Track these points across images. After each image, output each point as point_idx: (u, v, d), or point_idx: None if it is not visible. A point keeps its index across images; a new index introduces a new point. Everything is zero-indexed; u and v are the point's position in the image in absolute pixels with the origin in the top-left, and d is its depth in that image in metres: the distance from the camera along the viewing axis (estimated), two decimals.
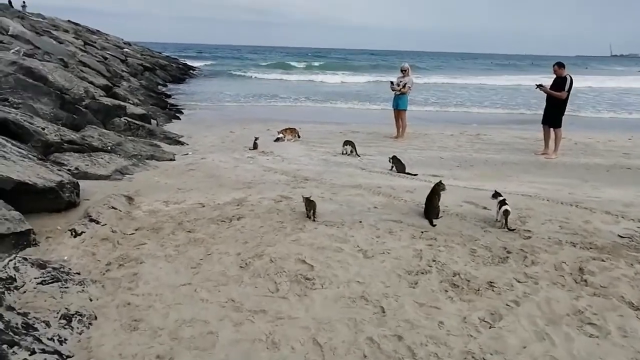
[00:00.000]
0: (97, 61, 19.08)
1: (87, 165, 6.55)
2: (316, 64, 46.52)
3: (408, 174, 7.63)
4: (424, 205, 5.42)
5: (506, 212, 4.78)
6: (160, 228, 4.64)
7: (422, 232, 4.66)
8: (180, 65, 39.73)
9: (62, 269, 3.28)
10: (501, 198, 4.97)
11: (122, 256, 3.94)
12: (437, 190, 5.23)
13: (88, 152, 7.13)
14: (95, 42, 27.64)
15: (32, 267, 3.07)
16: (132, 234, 4.49)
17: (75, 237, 4.24)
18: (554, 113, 9.44)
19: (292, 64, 46.55)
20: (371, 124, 14.24)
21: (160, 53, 46.19)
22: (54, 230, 4.39)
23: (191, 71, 38.39)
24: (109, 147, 7.78)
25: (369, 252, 4.13)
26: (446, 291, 3.44)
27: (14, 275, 2.93)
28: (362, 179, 7.12)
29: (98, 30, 41.05)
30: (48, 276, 3.08)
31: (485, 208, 5.56)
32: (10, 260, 3.04)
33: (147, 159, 8.04)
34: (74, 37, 25.15)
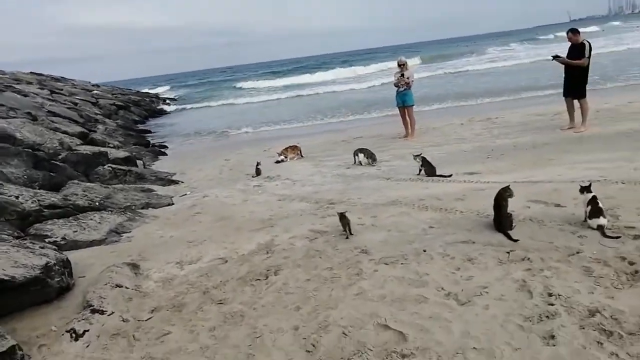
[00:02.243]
0: (68, 108, 17.95)
1: (76, 231, 5.52)
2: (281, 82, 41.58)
3: (440, 176, 6.71)
4: (488, 216, 4.52)
5: (600, 228, 3.86)
6: (182, 304, 3.64)
7: (508, 253, 3.73)
8: (153, 99, 38.53)
9: None
10: (590, 196, 4.03)
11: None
12: (504, 196, 4.29)
13: (74, 214, 6.09)
14: (62, 89, 26.41)
15: None
16: (150, 318, 3.49)
17: (76, 339, 3.23)
18: (576, 83, 8.60)
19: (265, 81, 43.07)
20: (370, 126, 13.35)
21: (130, 90, 44.82)
22: (47, 333, 3.37)
23: (166, 103, 37.11)
24: (97, 203, 6.73)
25: (460, 295, 3.17)
26: (600, 343, 2.48)
27: None
28: (394, 191, 6.19)
29: (62, 77, 39.75)
30: None
31: (558, 205, 4.67)
32: None
33: (142, 208, 7.02)
34: (39, 88, 23.94)
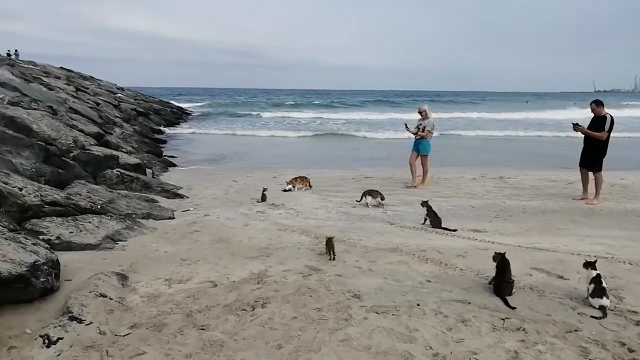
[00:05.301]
0: (89, 107, 18.24)
1: (72, 232, 5.47)
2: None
3: (445, 229, 6.61)
4: (487, 277, 4.41)
5: (602, 309, 3.72)
6: (163, 324, 3.54)
7: (504, 320, 3.59)
8: (174, 109, 39.10)
9: None
10: (595, 273, 3.91)
11: None
12: (507, 261, 4.19)
13: (73, 214, 6.06)
14: (87, 88, 26.93)
15: None
16: (127, 334, 3.39)
17: (49, 346, 3.13)
18: (593, 155, 8.56)
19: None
20: (382, 167, 13.32)
21: (153, 97, 45.52)
22: (20, 335, 3.28)
23: (185, 114, 37.67)
24: (99, 207, 6.70)
25: (448, 358, 3.04)
26: None
27: None
28: (397, 237, 6.09)
29: (91, 76, 40.61)
30: None
31: (561, 277, 4.53)
32: None
33: (142, 218, 6.97)
34: (65, 84, 24.43)
